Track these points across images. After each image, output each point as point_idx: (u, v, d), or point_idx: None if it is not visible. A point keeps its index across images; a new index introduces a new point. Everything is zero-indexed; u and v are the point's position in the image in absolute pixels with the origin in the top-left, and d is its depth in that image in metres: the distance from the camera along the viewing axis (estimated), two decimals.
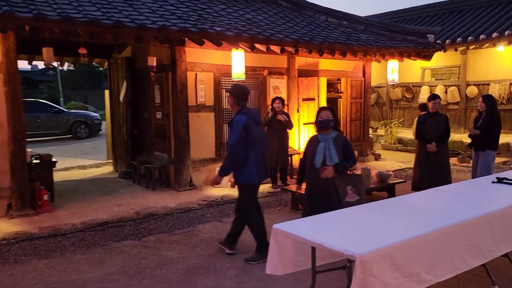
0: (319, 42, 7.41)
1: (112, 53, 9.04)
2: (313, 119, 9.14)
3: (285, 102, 7.83)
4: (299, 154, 8.49)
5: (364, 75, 9.91)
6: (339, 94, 10.06)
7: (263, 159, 4.50)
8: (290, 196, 6.53)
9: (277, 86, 8.47)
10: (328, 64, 9.21)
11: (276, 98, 7.39)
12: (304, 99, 8.89)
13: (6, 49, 5.58)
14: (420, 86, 13.76)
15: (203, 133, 7.57)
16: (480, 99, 6.26)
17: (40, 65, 33.25)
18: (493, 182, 4.28)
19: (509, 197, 3.68)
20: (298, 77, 8.72)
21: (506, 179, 4.36)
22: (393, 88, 14.58)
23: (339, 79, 9.85)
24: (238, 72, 7.10)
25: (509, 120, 11.67)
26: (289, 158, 8.05)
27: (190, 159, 7.34)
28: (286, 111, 8.04)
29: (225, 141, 7.83)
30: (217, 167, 7.58)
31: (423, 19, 14.98)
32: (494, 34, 10.85)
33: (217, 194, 7.07)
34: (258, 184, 4.64)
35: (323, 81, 9.28)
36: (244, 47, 6.85)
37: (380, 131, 13.62)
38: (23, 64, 42.70)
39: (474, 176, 6.19)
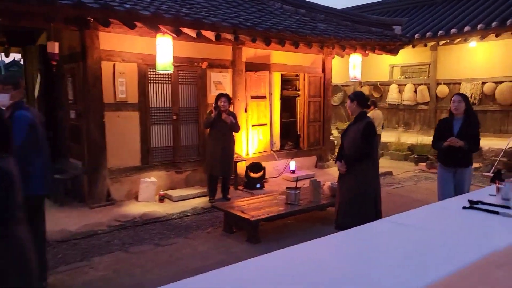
0: (264, 29, 6.23)
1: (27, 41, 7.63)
2: (264, 120, 8.01)
3: (232, 101, 6.64)
4: (245, 160, 7.31)
5: (324, 71, 8.80)
6: (297, 92, 8.93)
7: (49, 165, 3.60)
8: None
9: (220, 81, 7.24)
10: (282, 57, 8.05)
11: (222, 95, 6.16)
12: (253, 97, 7.70)
13: None
14: (389, 85, 12.80)
15: (125, 137, 6.26)
16: (457, 97, 4.59)
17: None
18: (464, 207, 3.18)
19: (488, 237, 2.55)
20: (246, 72, 7.52)
21: (482, 203, 3.26)
22: (360, 87, 13.59)
23: (298, 75, 8.72)
24: (165, 63, 5.83)
25: (482, 122, 10.79)
26: (234, 166, 6.86)
27: (106, 169, 6.04)
28: (232, 110, 6.86)
29: (154, 145, 6.58)
30: (143, 176, 6.37)
31: (392, 13, 14.04)
32: (466, 28, 9.94)
33: (138, 211, 5.79)
34: (44, 196, 3.56)
35: (276, 77, 8.12)
36: (169, 32, 5.59)
37: None
38: None
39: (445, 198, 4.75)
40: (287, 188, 5.33)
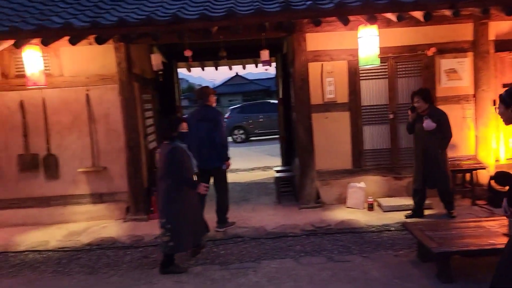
0: None
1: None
2: None
3: (430, 94, 5.20)
4: (484, 168, 5.66)
5: None
6: None
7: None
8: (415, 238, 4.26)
9: (454, 69, 5.85)
10: None
11: (414, 93, 5.06)
12: (506, 85, 5.83)
13: (118, 59, 5.85)
14: None
15: (333, 138, 6.01)
16: None
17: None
18: None
19: None
20: (496, 53, 5.79)
21: None
22: None
23: None
24: (368, 56, 5.21)
25: None
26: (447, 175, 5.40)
27: (315, 171, 5.97)
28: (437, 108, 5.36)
29: (367, 148, 6.03)
30: (355, 180, 5.97)
31: None
32: None
33: (338, 218, 5.47)
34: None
35: None
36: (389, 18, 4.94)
37: None
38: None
39: None
40: None
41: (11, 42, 5.12)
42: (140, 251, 4.91)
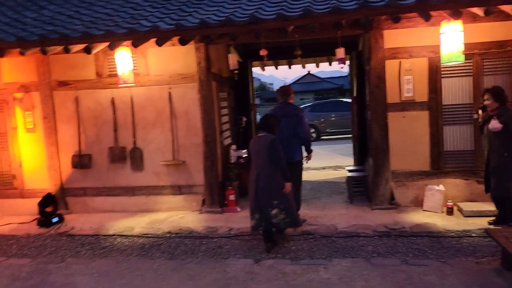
0: None
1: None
2: None
3: (503, 94, 4.80)
4: None
5: None
6: None
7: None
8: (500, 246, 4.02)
9: None
10: None
11: (486, 90, 4.86)
12: None
13: (198, 59, 6.18)
14: None
15: (410, 138, 5.81)
16: None
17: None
18: None
19: None
20: None
21: None
22: None
23: None
24: (451, 52, 4.97)
25: None
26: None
27: (389, 171, 5.82)
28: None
29: (447, 149, 5.77)
30: (433, 183, 5.75)
31: None
32: None
33: (413, 221, 5.31)
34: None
35: None
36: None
37: None
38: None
39: None
40: None
41: (106, 44, 5.61)
42: (214, 242, 5.15)
